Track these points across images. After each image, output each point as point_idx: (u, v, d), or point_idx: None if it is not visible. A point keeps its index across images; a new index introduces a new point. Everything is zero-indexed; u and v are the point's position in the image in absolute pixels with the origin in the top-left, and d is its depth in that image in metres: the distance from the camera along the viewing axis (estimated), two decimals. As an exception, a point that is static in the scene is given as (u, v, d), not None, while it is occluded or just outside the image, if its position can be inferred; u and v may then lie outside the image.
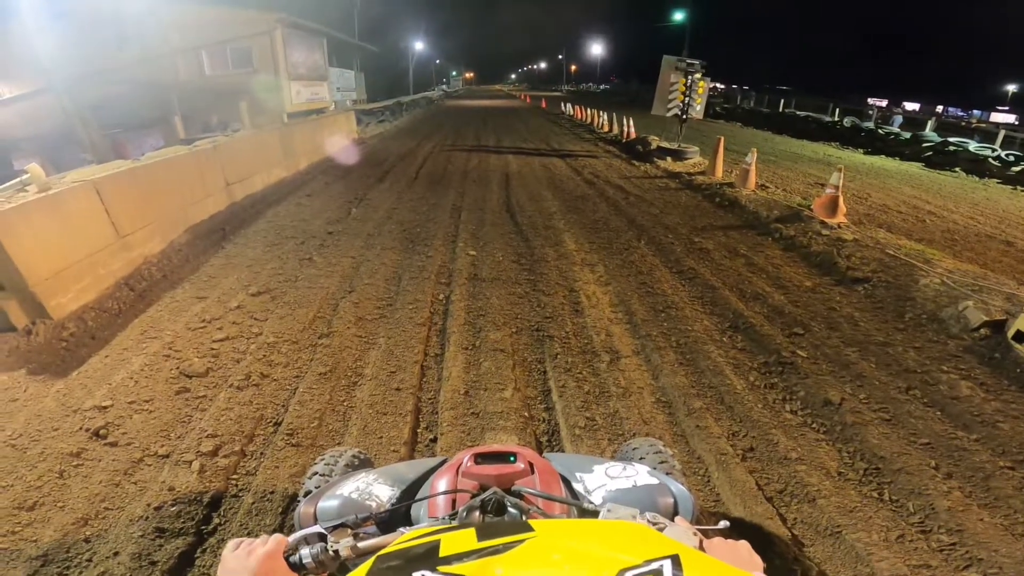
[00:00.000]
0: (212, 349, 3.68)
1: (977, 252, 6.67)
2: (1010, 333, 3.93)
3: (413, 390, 3.28)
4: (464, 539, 0.73)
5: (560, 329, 4.10)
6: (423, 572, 0.64)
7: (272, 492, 2.51)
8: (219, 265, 5.33)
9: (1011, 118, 37.55)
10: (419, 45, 42.32)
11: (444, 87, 60.05)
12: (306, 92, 16.01)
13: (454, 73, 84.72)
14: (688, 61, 11.51)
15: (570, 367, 3.60)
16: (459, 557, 0.68)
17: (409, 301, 4.53)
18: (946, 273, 4.94)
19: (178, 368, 3.45)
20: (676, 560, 0.64)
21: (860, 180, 11.29)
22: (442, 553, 0.69)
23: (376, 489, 1.30)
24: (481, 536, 0.73)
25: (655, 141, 12.60)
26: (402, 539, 0.79)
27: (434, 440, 2.88)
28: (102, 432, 2.87)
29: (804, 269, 5.52)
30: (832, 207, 6.52)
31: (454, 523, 0.93)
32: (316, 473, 1.73)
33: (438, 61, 63.79)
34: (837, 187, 6.52)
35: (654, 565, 0.63)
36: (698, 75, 11.41)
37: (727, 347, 3.93)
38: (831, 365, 3.71)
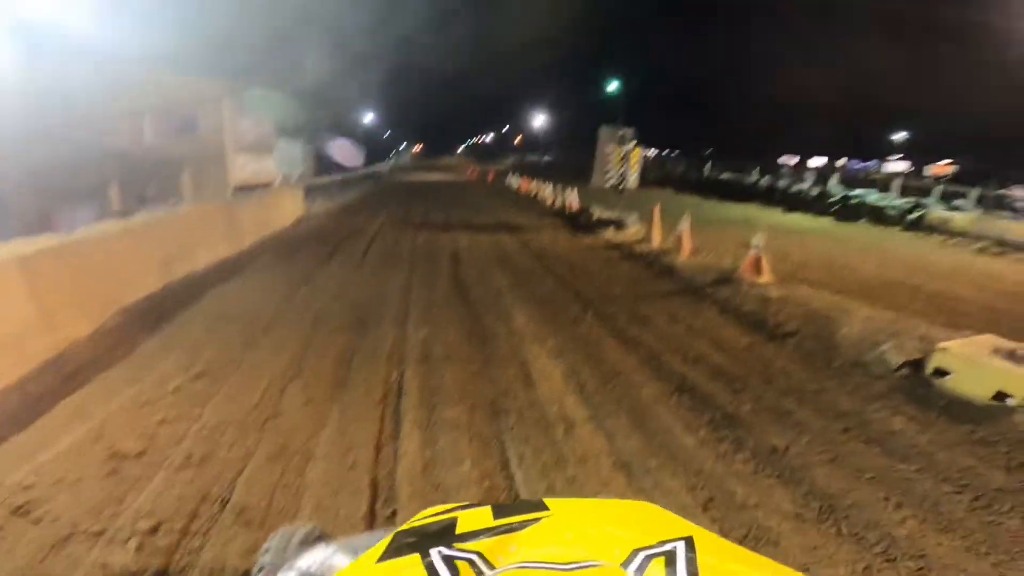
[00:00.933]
0: (148, 431, 3.54)
1: (888, 299, 7.29)
2: (928, 370, 4.35)
3: (369, 467, 3.23)
4: (480, 517, 0.74)
5: (515, 402, 4.16)
6: (440, 548, 0.65)
7: (221, 570, 2.40)
8: (155, 348, 5.12)
9: (904, 165, 42.53)
10: (368, 118, 43.33)
11: (392, 161, 61.21)
12: (252, 164, 15.95)
13: (403, 146, 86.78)
14: (622, 131, 12.34)
15: (527, 438, 3.64)
16: (475, 534, 0.69)
17: (361, 382, 4.47)
18: (864, 320, 5.39)
19: (110, 450, 3.31)
20: (690, 541, 0.64)
21: (781, 239, 12.23)
22: (459, 530, 0.71)
23: (336, 560, 1.23)
24: (497, 514, 0.74)
25: (596, 212, 13.26)
26: (419, 516, 0.79)
27: (393, 514, 2.85)
28: (24, 509, 2.70)
29: (739, 329, 5.88)
30: (757, 268, 7.07)
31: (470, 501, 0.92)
32: (270, 549, 1.67)
33: (388, 134, 65.50)
34: (759, 248, 7.11)
35: (668, 546, 0.63)
36: (631, 144, 12.22)
37: (676, 408, 4.11)
38: (772, 415, 3.94)
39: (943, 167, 40.97)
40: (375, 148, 48.64)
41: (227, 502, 2.88)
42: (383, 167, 43.36)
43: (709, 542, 0.66)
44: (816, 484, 3.09)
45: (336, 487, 3.03)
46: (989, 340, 4.44)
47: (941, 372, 4.26)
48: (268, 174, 17.31)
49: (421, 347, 5.28)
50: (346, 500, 2.92)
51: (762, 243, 7.13)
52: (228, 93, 14.26)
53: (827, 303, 6.12)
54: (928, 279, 8.84)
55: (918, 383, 4.30)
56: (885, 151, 46.71)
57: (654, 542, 0.64)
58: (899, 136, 46.77)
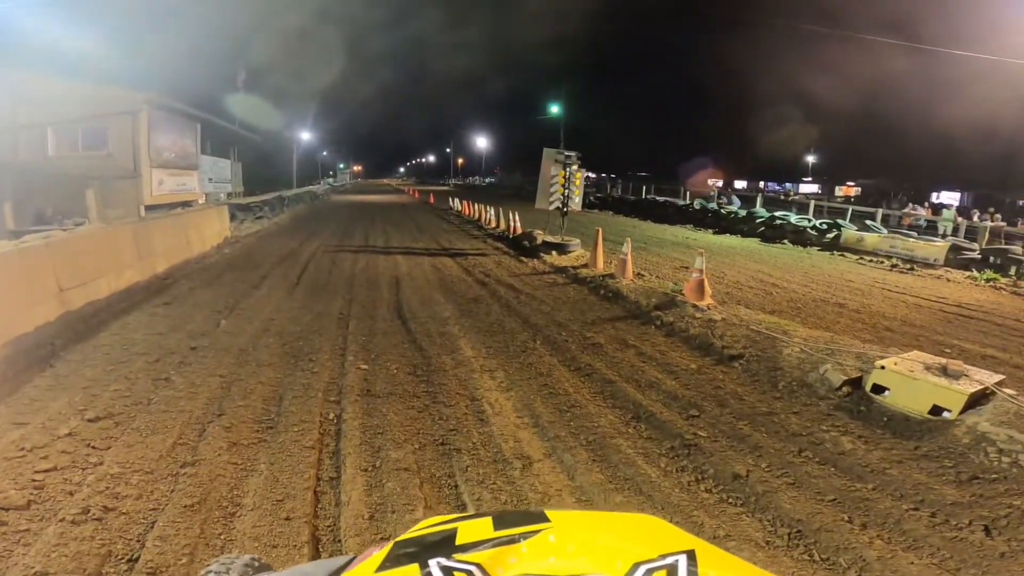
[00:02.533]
0: (34, 480, 3.10)
1: (818, 317, 7.70)
2: (868, 387, 4.47)
3: (307, 518, 2.90)
4: (480, 527, 0.73)
5: (467, 440, 3.89)
6: (439, 559, 0.65)
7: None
8: (45, 387, 4.49)
9: (815, 187, 46.43)
10: (305, 135, 41.71)
11: (330, 180, 59.00)
12: (171, 182, 14.66)
13: (342, 166, 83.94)
14: (566, 153, 12.33)
15: (483, 478, 3.39)
16: (475, 545, 0.68)
17: (294, 423, 4.04)
18: (802, 341, 5.56)
19: (-11, 499, 2.86)
20: (692, 555, 0.64)
21: (715, 260, 12.74)
22: (458, 541, 0.71)
23: None
24: (497, 525, 0.73)
25: (540, 235, 13.09)
26: (419, 526, 0.79)
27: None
28: None
29: (687, 353, 5.89)
30: (700, 290, 7.19)
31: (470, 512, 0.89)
32: None
33: (325, 153, 63.23)
34: (701, 271, 7.25)
35: (669, 560, 0.63)
36: (575, 167, 12.24)
37: (634, 437, 4.00)
38: (729, 440, 3.92)
39: (848, 188, 45.25)
40: (311, 167, 47.03)
41: (136, 560, 2.55)
42: (319, 187, 41.90)
43: (712, 556, 0.66)
44: (782, 509, 3.08)
45: (270, 541, 2.73)
46: (919, 356, 4.66)
47: (879, 389, 4.40)
48: (190, 192, 16.04)
49: (361, 383, 4.87)
50: (283, 556, 2.64)
51: (703, 266, 7.28)
52: (146, 104, 13.09)
53: (767, 324, 6.29)
54: (850, 296, 9.41)
55: (859, 401, 4.42)
56: (800, 174, 50.80)
57: (655, 555, 0.64)
58: (810, 159, 50.99)
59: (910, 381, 4.23)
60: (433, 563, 0.64)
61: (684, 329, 6.43)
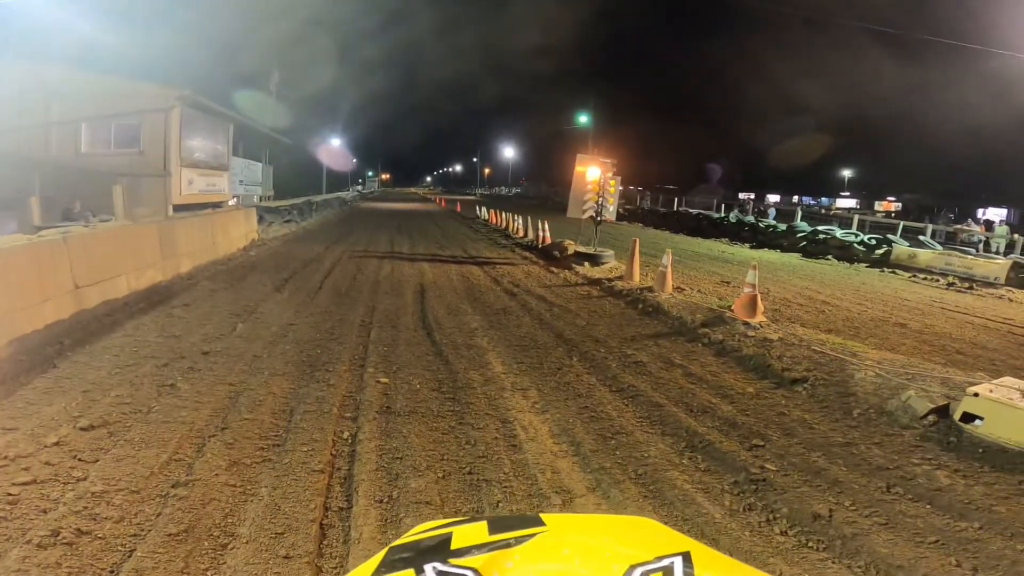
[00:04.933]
0: (9, 494, 2.86)
1: (879, 337, 7.10)
2: (957, 416, 4.06)
3: (310, 557, 2.55)
4: (476, 532, 0.73)
5: (497, 470, 3.42)
6: (435, 564, 0.65)
7: None
8: (43, 388, 4.24)
9: (853, 202, 44.62)
10: (335, 142, 42.33)
11: (359, 188, 59.83)
12: (201, 182, 14.62)
13: (370, 173, 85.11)
14: (602, 160, 11.81)
15: (518, 517, 2.88)
16: (470, 550, 0.68)
17: (303, 441, 3.63)
18: (875, 364, 5.07)
19: (-46, 515, 2.61)
20: (687, 557, 0.64)
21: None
22: (454, 545, 0.70)
23: None
24: (493, 529, 0.73)
25: (571, 246, 12.59)
26: (413, 531, 0.79)
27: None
28: None
29: (742, 374, 5.34)
30: (752, 307, 6.58)
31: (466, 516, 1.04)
32: None
33: (355, 160, 64.14)
34: (754, 286, 6.65)
35: (665, 562, 0.63)
36: (609, 174, 11.70)
37: (691, 470, 3.53)
38: (803, 474, 3.45)
39: (888, 204, 43.51)
40: (341, 174, 47.69)
41: (104, 596, 2.27)
42: (348, 194, 42.38)
43: (707, 557, 0.66)
44: (876, 554, 2.70)
45: (263, 585, 2.39)
46: (1014, 383, 4.21)
47: (969, 417, 4.02)
48: (220, 193, 16.03)
49: (381, 399, 4.44)
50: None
51: (756, 280, 6.67)
52: (178, 101, 13.08)
53: (831, 345, 5.71)
54: (910, 316, 8.72)
55: (948, 431, 4.00)
56: (835, 188, 49.09)
57: (651, 558, 0.64)
58: (846, 173, 49.31)
59: (1009, 409, 3.80)
60: (429, 568, 0.64)
61: (736, 348, 5.86)
